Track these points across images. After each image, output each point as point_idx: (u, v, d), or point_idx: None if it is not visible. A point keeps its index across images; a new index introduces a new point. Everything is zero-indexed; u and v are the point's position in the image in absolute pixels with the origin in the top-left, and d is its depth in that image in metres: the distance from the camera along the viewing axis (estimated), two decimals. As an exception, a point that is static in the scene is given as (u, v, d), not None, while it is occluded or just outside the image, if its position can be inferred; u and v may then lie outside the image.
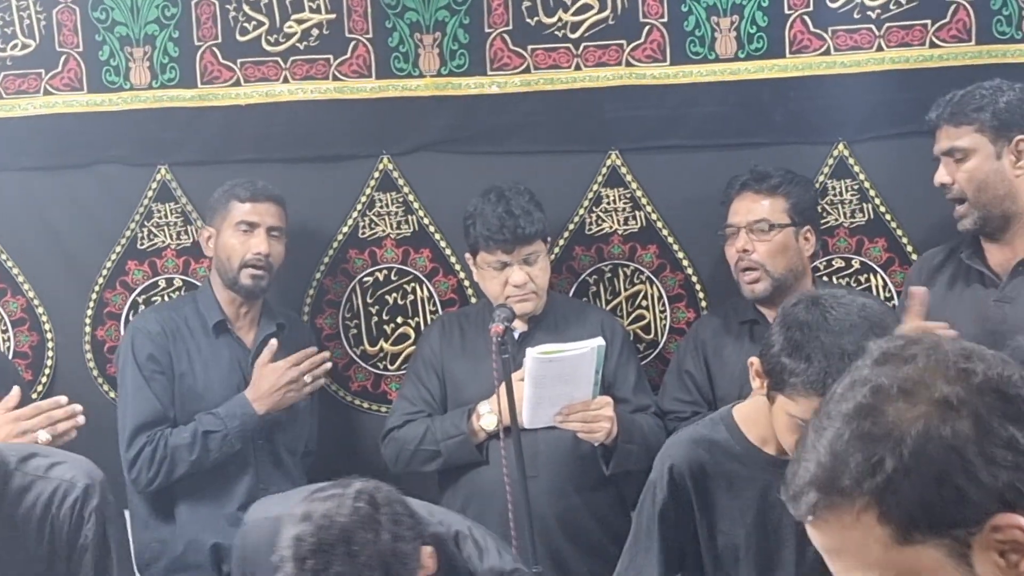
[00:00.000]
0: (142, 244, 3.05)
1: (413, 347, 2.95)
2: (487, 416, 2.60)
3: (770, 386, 1.85)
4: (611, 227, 2.99)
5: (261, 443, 2.79)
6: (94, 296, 3.05)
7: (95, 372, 3.06)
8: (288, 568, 1.74)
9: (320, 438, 3.01)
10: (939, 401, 0.96)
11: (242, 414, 2.71)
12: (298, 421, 2.86)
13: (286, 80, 2.97)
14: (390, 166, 3.01)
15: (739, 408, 2.06)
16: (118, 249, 3.04)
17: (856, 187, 2.92)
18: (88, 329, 3.05)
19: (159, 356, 2.76)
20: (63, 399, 2.27)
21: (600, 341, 2.49)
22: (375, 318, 3.05)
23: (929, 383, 0.98)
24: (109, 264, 3.05)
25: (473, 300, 2.97)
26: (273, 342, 2.76)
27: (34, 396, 3.00)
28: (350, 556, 1.70)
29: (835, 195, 2.92)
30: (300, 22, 2.96)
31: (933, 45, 2.83)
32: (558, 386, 2.48)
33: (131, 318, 2.99)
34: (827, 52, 2.86)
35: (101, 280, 3.05)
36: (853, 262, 2.94)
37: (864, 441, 0.97)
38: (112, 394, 2.98)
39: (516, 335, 2.66)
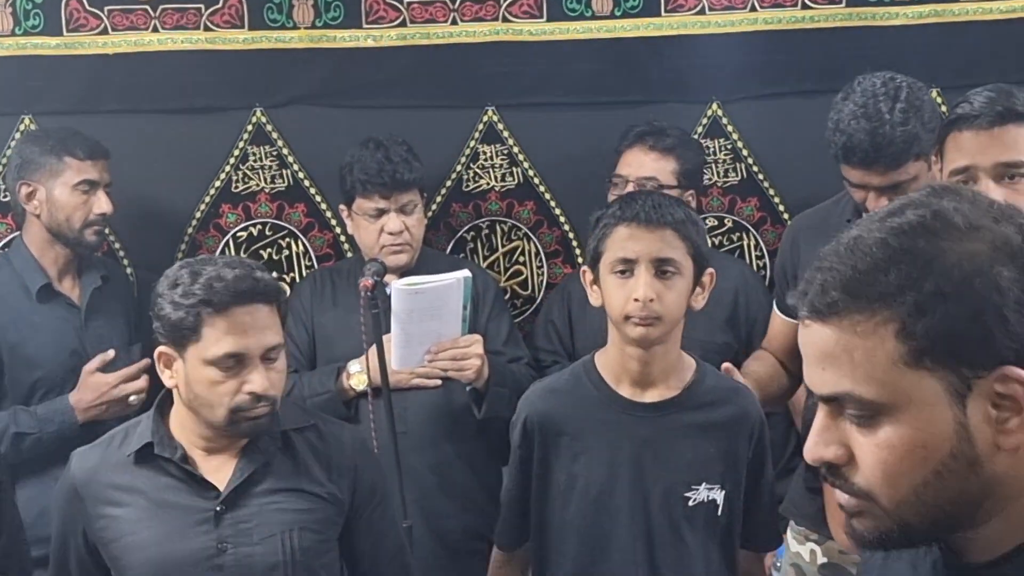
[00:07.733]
0: (6, 197, 2.94)
1: (287, 303, 2.91)
2: (357, 376, 2.57)
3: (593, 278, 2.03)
4: (488, 183, 2.98)
5: None
6: (-45, 250, 2.95)
7: None
8: None
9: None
10: (1000, 245, 0.96)
11: (60, 420, 2.56)
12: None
13: (156, 29, 2.89)
14: (263, 119, 2.95)
15: (599, 354, 2.11)
16: (-19, 201, 2.95)
17: (729, 146, 2.96)
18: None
19: None
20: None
21: (466, 272, 2.48)
22: (250, 274, 2.99)
23: (993, 226, 0.98)
24: (-29, 217, 2.95)
25: (350, 255, 2.94)
26: (110, 352, 2.63)
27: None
28: None
29: (709, 154, 2.95)
30: (170, -31, 2.88)
31: (805, 7, 2.87)
32: (425, 322, 2.46)
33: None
34: (702, 11, 2.88)
35: (-37, 234, 2.95)
36: (726, 221, 2.98)
37: (912, 256, 0.96)
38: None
39: (388, 290, 2.64)
